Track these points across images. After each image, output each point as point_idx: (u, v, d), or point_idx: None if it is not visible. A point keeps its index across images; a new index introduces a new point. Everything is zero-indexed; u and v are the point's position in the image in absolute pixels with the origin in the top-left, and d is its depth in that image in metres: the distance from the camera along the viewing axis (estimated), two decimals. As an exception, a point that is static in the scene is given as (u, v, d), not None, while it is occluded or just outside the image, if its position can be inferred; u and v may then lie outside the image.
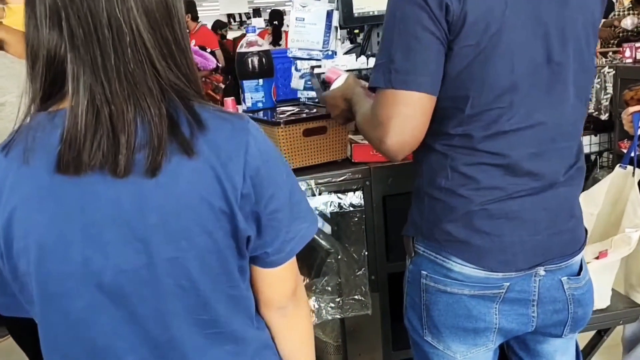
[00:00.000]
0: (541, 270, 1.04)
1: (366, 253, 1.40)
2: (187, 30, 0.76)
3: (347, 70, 1.61)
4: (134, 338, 0.72)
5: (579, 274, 1.10)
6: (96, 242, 0.68)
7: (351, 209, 1.37)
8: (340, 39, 1.71)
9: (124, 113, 0.66)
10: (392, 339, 1.49)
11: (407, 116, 0.95)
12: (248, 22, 11.63)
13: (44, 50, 0.67)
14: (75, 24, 0.65)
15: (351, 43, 2.41)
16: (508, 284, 1.03)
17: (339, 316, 1.42)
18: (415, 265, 1.11)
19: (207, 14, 16.48)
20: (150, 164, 0.66)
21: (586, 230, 1.13)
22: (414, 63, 0.93)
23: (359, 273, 1.40)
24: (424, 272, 1.08)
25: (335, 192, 1.35)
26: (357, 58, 1.66)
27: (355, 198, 1.37)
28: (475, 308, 1.05)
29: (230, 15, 12.33)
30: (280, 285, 0.82)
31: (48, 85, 0.69)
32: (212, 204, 0.69)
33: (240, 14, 12.48)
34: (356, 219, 1.38)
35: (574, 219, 1.07)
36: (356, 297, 1.40)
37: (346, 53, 1.76)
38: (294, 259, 0.81)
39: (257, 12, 12.31)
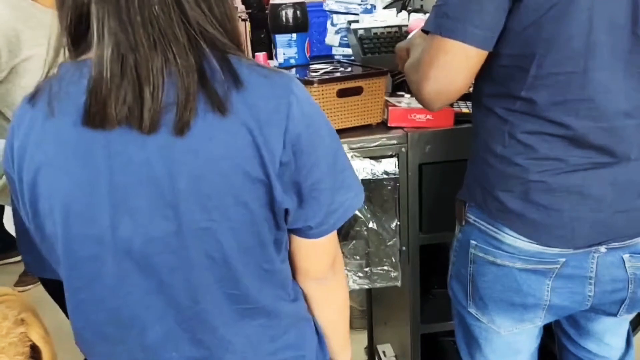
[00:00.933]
0: (602, 248, 0.97)
1: (398, 223, 1.33)
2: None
3: (387, 27, 1.51)
4: (161, 308, 0.68)
5: None
6: (124, 206, 0.63)
7: (385, 176, 1.29)
8: (381, -8, 1.59)
9: (149, 62, 0.60)
10: (421, 312, 1.43)
11: (449, 67, 0.90)
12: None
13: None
14: None
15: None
16: (564, 259, 0.97)
17: (366, 286, 1.38)
18: (464, 234, 1.07)
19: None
20: (178, 120, 0.60)
21: None
22: (468, 11, 0.86)
23: (389, 243, 1.33)
24: (473, 242, 1.04)
25: (369, 157, 1.27)
26: (397, 13, 1.55)
27: (389, 165, 1.29)
28: (526, 282, 1.00)
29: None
30: (320, 257, 0.77)
31: (74, 29, 0.63)
32: (248, 172, 0.63)
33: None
34: (390, 188, 1.30)
35: None
36: (385, 267, 1.35)
37: (386, 7, 1.64)
38: (335, 230, 0.75)
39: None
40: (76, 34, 0.63)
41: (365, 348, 2.05)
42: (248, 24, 2.01)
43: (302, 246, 0.75)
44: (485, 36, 0.87)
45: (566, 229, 0.95)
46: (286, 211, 0.69)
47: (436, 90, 0.92)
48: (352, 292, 2.24)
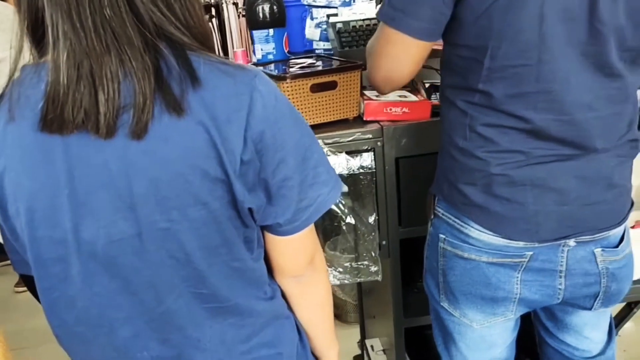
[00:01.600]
0: (571, 241, 0.96)
1: (377, 218, 1.32)
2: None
3: (364, 19, 1.49)
4: (129, 309, 0.69)
5: (617, 246, 1.00)
6: (85, 208, 0.63)
7: (361, 171, 1.28)
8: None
9: (104, 67, 0.59)
10: (404, 305, 1.42)
11: (393, 56, 0.94)
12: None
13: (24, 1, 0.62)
14: None
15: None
16: (531, 253, 0.96)
17: (347, 281, 1.37)
18: (434, 228, 1.07)
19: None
20: (136, 124, 0.60)
21: (632, 202, 1.02)
22: (408, 3, 0.87)
23: (368, 238, 1.33)
24: (442, 236, 1.04)
25: (345, 152, 1.26)
26: (376, 5, 1.53)
27: (365, 160, 1.28)
28: (494, 276, 0.99)
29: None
30: (296, 254, 0.76)
31: (32, 31, 0.63)
32: (206, 171, 0.63)
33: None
34: (366, 182, 1.30)
35: (614, 190, 0.96)
36: (365, 262, 1.34)
37: None
38: (311, 226, 0.74)
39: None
40: (35, 36, 0.63)
41: (358, 342, 2.05)
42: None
43: (276, 243, 0.74)
44: (423, 27, 0.87)
45: (530, 223, 0.94)
46: (250, 210, 0.68)
47: (383, 77, 0.98)
48: (345, 286, 2.25)
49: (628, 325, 1.59)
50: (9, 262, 2.70)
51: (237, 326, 0.73)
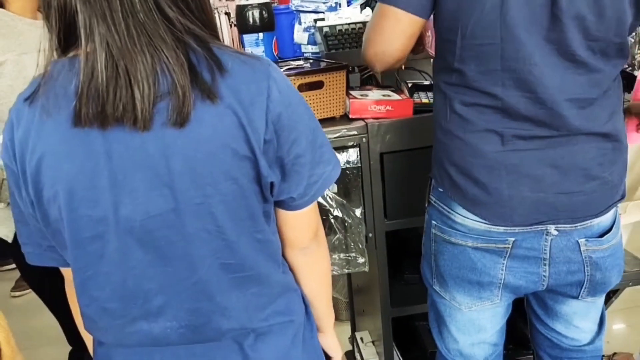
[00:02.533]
0: (552, 230, 1.00)
1: (363, 211, 1.38)
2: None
3: (350, 23, 1.56)
4: (162, 280, 0.74)
5: (601, 236, 1.04)
6: (124, 187, 0.69)
7: (347, 166, 1.34)
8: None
9: (138, 65, 0.66)
10: (391, 295, 1.48)
11: (385, 30, 1.00)
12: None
13: (54, 1, 0.67)
14: None
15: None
16: (513, 239, 1.01)
17: (336, 272, 1.43)
18: (428, 215, 1.13)
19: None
20: (177, 115, 0.67)
21: (622, 194, 1.04)
22: None
23: (356, 231, 1.39)
24: (433, 222, 1.10)
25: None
26: (361, 10, 1.60)
27: (352, 155, 1.34)
28: (480, 261, 1.04)
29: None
30: (304, 226, 0.84)
31: (63, 36, 0.69)
32: (235, 150, 0.69)
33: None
34: (352, 177, 1.36)
35: (593, 182, 0.99)
36: (352, 254, 1.40)
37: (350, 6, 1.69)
38: (315, 202, 0.82)
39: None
40: (64, 38, 0.69)
41: (349, 338, 2.10)
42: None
43: (287, 218, 0.81)
44: (412, 1, 0.95)
45: (505, 207, 0.98)
46: (272, 184, 0.75)
47: (374, 52, 1.03)
48: (337, 284, 2.30)
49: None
50: (4, 267, 2.74)
51: (257, 295, 0.79)
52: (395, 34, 1.00)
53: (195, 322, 0.77)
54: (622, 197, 1.05)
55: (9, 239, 1.37)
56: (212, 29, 0.74)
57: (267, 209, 0.78)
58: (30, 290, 2.78)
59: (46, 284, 1.46)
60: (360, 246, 1.40)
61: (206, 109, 0.68)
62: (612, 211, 1.04)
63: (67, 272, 0.84)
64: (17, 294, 2.81)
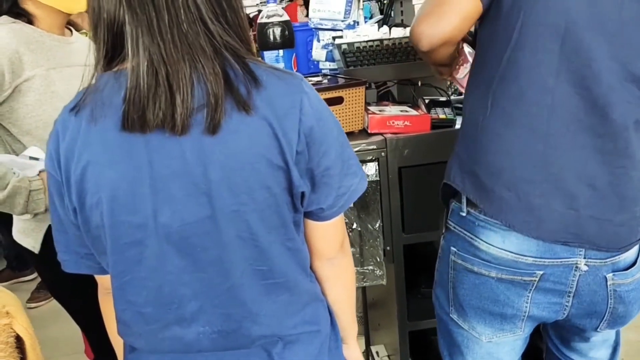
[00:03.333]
0: (582, 264, 0.96)
1: (381, 224, 1.40)
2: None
3: (368, 41, 1.59)
4: (197, 285, 0.77)
5: (627, 269, 1.00)
6: (164, 195, 0.72)
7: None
8: (361, 9, 1.68)
9: (179, 72, 0.69)
10: (408, 309, 1.49)
11: (443, 12, 0.96)
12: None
13: (104, 14, 0.71)
14: None
15: (381, 14, 2.37)
16: (541, 272, 0.97)
17: (353, 286, 1.44)
18: (445, 241, 1.09)
19: (249, -12, 16.53)
20: (210, 122, 0.70)
21: None
22: None
23: (374, 244, 1.40)
24: (453, 249, 1.06)
25: (351, 162, 1.35)
26: (379, 28, 1.64)
27: (370, 169, 1.37)
28: (503, 293, 1.00)
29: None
30: (332, 237, 0.86)
31: (110, 47, 0.72)
32: (270, 160, 0.72)
33: (281, -12, 12.40)
34: (371, 190, 1.38)
35: (625, 215, 0.95)
36: (370, 267, 1.41)
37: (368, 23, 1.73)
38: (342, 214, 0.85)
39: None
40: (111, 49, 0.73)
41: (364, 352, 2.10)
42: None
43: (316, 228, 0.84)
44: None
45: (533, 216, 0.94)
46: (302, 195, 0.77)
47: (424, 28, 0.98)
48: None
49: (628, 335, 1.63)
50: (22, 279, 2.77)
51: (287, 302, 0.81)
52: (451, 9, 0.95)
53: (227, 327, 0.79)
54: None
55: (36, 250, 1.39)
56: (248, 44, 0.77)
57: (297, 219, 0.80)
58: (46, 301, 2.84)
59: (71, 294, 1.48)
60: (378, 259, 1.41)
61: (242, 120, 0.71)
62: (637, 246, 1.01)
63: (101, 280, 0.87)
64: (33, 305, 2.84)
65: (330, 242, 0.86)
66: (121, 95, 0.70)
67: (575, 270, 0.97)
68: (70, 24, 1.52)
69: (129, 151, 0.71)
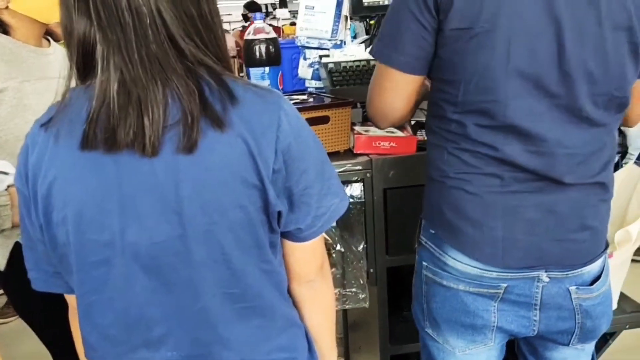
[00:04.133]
0: (544, 277, 1.00)
1: (365, 246, 1.38)
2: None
3: (354, 61, 1.59)
4: (165, 308, 0.74)
5: (592, 283, 1.04)
6: (132, 213, 0.69)
7: (351, 200, 1.35)
8: (349, 29, 1.68)
9: (150, 93, 0.67)
10: (390, 333, 1.47)
11: (385, 89, 1.01)
12: (274, 12, 11.62)
13: (75, 32, 0.69)
14: (100, 7, 0.67)
15: (367, 34, 2.39)
16: (505, 285, 1.00)
17: (336, 308, 1.41)
18: (418, 256, 1.12)
19: (233, 4, 16.58)
20: (187, 141, 0.68)
21: (607, 243, 1.06)
22: (395, 41, 0.96)
23: (357, 266, 1.38)
24: (424, 264, 1.08)
25: (336, 183, 1.33)
26: (365, 48, 1.64)
27: (355, 190, 1.35)
28: (472, 304, 1.03)
29: (255, 4, 12.33)
30: (310, 259, 0.83)
31: (82, 64, 0.70)
32: (245, 178, 0.70)
33: (266, 5, 12.46)
34: (356, 211, 1.36)
35: (587, 232, 1.00)
36: (353, 289, 1.39)
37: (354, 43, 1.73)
38: (322, 235, 0.82)
39: (283, 3, 12.27)
40: (83, 67, 0.71)
41: (343, 375, 2.06)
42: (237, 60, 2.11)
43: (294, 250, 0.81)
44: (408, 61, 0.96)
45: (497, 247, 0.98)
46: (279, 214, 0.75)
47: (377, 111, 1.05)
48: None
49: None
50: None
51: (261, 328, 0.78)
52: (394, 94, 1.00)
53: (196, 352, 0.76)
54: (607, 246, 1.06)
55: (1, 267, 1.34)
56: (225, 61, 0.75)
57: (273, 240, 0.78)
58: (14, 317, 2.73)
59: (36, 312, 1.42)
60: (362, 281, 1.39)
61: (217, 138, 0.69)
62: (601, 259, 1.05)
63: (71, 299, 0.83)
64: (2, 321, 2.74)
65: (309, 264, 0.84)
66: (88, 113, 0.68)
67: (538, 282, 1.00)
68: (48, 34, 1.49)
69: (97, 168, 0.69)
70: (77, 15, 0.68)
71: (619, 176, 1.48)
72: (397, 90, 1.00)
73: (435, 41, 0.94)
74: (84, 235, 0.70)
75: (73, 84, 0.73)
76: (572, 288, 1.02)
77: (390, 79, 0.99)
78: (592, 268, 1.03)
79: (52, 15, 1.36)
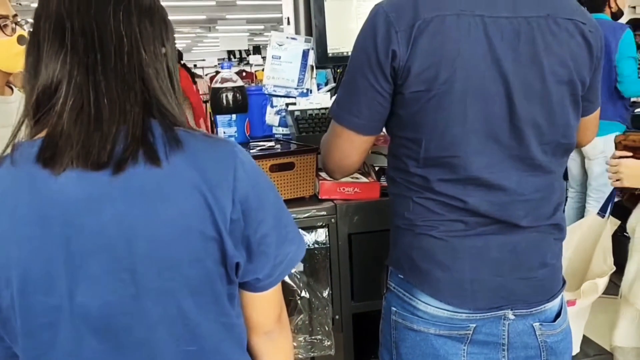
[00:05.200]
0: (510, 314, 1.03)
1: (330, 292, 1.38)
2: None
3: (320, 109, 1.63)
4: None
5: (554, 320, 1.08)
6: (81, 272, 0.67)
7: (316, 246, 1.35)
8: (314, 78, 1.73)
9: (108, 115, 0.67)
10: (357, 381, 1.45)
11: (340, 148, 1.06)
12: (247, 58, 11.83)
13: (42, 73, 0.68)
14: (78, 33, 0.67)
15: (334, 82, 2.45)
16: (474, 325, 1.02)
17: (300, 356, 1.39)
18: (387, 302, 1.12)
19: (208, 50, 16.85)
20: (120, 161, 0.66)
21: (564, 280, 1.11)
22: (350, 103, 1.01)
23: (322, 312, 1.37)
24: (393, 309, 1.09)
25: (301, 228, 1.34)
26: (331, 96, 1.69)
27: (320, 235, 1.36)
28: (442, 348, 1.03)
29: (230, 52, 12.56)
30: (269, 308, 0.82)
31: (38, 105, 0.69)
32: (202, 231, 0.69)
33: (240, 51, 12.71)
34: (321, 257, 1.37)
35: (546, 269, 1.05)
36: (319, 337, 1.37)
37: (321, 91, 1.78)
38: (280, 283, 0.81)
39: (257, 50, 12.54)
40: (38, 110, 0.70)
41: None
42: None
43: (252, 300, 0.80)
44: (363, 124, 1.01)
45: (466, 290, 1.01)
46: (237, 265, 0.74)
47: (333, 165, 1.10)
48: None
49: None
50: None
51: None
52: (351, 151, 1.05)
53: None
54: (564, 283, 1.11)
55: None
56: (183, 114, 0.76)
57: (231, 291, 0.76)
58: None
59: None
60: (327, 328, 1.38)
61: (170, 190, 0.68)
62: (559, 297, 1.09)
63: None
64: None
65: (267, 314, 0.82)
66: (35, 153, 0.67)
67: (504, 320, 1.03)
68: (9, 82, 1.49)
69: (42, 226, 0.66)
70: (49, 51, 0.68)
71: (583, 225, 1.54)
72: (354, 149, 1.05)
73: (393, 102, 0.98)
74: (31, 297, 0.67)
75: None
76: (536, 324, 1.05)
77: (347, 139, 1.04)
78: (554, 304, 1.07)
79: (16, 64, 1.37)
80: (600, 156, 2.98)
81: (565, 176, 3.17)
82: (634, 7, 4.67)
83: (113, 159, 0.67)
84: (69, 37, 0.67)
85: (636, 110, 3.43)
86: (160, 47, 0.73)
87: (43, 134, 0.69)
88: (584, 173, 3.16)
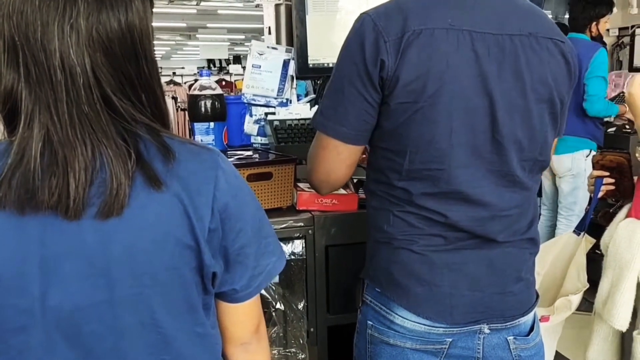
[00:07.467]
0: (485, 328, 1.03)
1: (306, 304, 1.36)
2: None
3: (300, 119, 1.63)
4: None
5: (528, 334, 1.08)
6: (54, 276, 0.65)
7: (292, 257, 1.34)
8: (295, 88, 1.73)
9: (77, 156, 0.64)
10: (331, 396, 1.43)
11: (326, 160, 1.02)
12: (227, 68, 11.81)
13: (3, 85, 0.66)
14: (30, 62, 0.64)
15: (314, 93, 2.45)
16: (450, 339, 1.02)
17: (275, 370, 1.37)
18: (362, 315, 1.11)
19: (188, 59, 16.78)
20: (110, 206, 0.64)
21: (537, 294, 1.11)
22: (336, 112, 0.98)
23: (297, 325, 1.35)
24: (369, 323, 1.07)
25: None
26: (311, 107, 1.68)
27: (297, 247, 1.34)
28: None
29: (210, 61, 12.52)
30: (246, 320, 0.81)
31: (7, 119, 0.67)
32: (179, 239, 0.68)
33: (220, 60, 12.67)
34: (297, 269, 1.35)
35: (521, 283, 1.06)
36: (293, 350, 1.35)
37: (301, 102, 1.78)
38: (258, 295, 0.80)
39: (237, 59, 12.52)
40: (9, 120, 0.67)
41: None
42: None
43: (228, 311, 0.79)
44: (350, 133, 0.98)
45: (445, 305, 1.00)
46: (214, 275, 0.73)
47: (320, 180, 1.06)
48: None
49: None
50: None
51: None
52: (337, 164, 1.02)
53: None
54: (538, 297, 1.12)
55: None
56: (162, 121, 0.74)
57: (207, 301, 0.75)
58: None
59: None
60: (301, 341, 1.36)
61: (151, 197, 0.67)
62: (533, 311, 1.10)
63: None
64: None
65: (244, 326, 0.81)
66: (1, 167, 0.65)
67: (480, 334, 1.03)
68: None
69: (16, 228, 0.65)
70: (5, 68, 0.66)
71: (558, 243, 1.55)
72: (341, 161, 1.02)
73: (379, 113, 0.97)
74: (3, 300, 0.65)
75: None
76: (510, 338, 1.05)
77: (333, 149, 1.01)
78: (527, 319, 1.08)
79: None
80: (568, 174, 3.03)
81: (539, 193, 3.23)
82: (608, 30, 4.80)
83: (96, 206, 0.65)
84: (22, 65, 0.65)
85: (609, 130, 3.51)
86: (128, 58, 0.69)
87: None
88: (556, 191, 3.21)
